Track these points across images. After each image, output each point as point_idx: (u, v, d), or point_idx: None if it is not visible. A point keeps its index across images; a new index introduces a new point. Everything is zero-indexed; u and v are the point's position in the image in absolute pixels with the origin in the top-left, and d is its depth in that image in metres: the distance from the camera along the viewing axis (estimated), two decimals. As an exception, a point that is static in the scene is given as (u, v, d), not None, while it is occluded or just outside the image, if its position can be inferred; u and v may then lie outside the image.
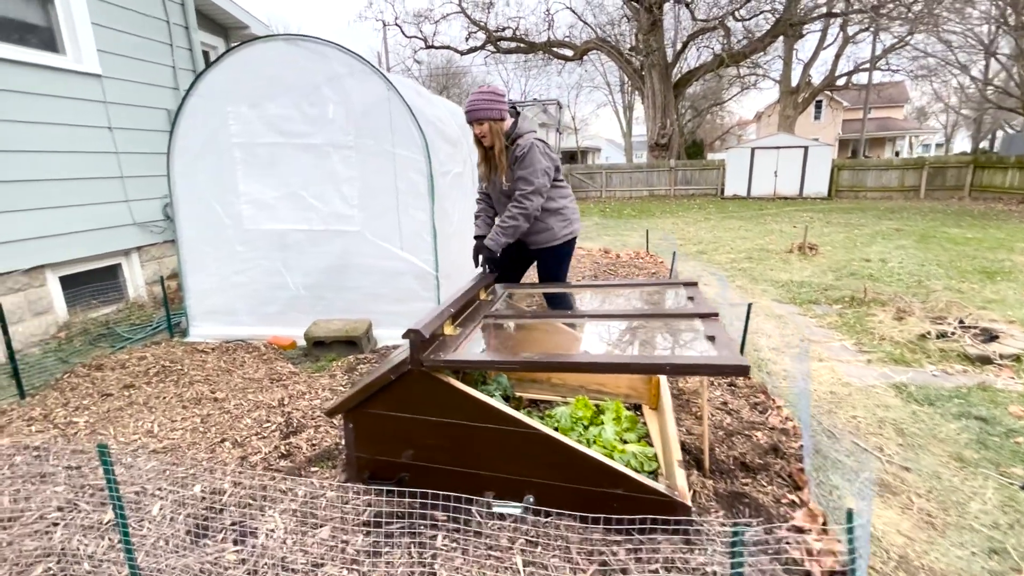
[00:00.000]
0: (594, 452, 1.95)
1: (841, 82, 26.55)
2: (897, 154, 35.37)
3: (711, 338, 2.00)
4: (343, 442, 2.48)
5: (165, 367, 3.47)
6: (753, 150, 17.93)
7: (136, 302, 5.20)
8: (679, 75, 20.75)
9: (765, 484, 2.42)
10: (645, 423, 2.82)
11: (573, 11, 20.65)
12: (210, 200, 3.93)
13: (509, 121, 2.87)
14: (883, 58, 24.27)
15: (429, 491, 2.10)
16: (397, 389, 2.04)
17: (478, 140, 2.92)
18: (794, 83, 25.00)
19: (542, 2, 27.58)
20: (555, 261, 3.20)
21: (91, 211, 4.69)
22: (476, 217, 3.20)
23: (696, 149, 28.34)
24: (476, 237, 3.12)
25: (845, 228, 11.32)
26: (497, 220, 3.00)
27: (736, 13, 18.22)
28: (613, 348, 2.20)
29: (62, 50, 4.53)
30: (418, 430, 2.07)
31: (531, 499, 2.02)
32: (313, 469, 2.29)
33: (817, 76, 27.13)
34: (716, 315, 2.28)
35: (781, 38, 20.09)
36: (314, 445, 2.46)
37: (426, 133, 3.61)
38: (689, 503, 1.89)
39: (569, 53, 21.57)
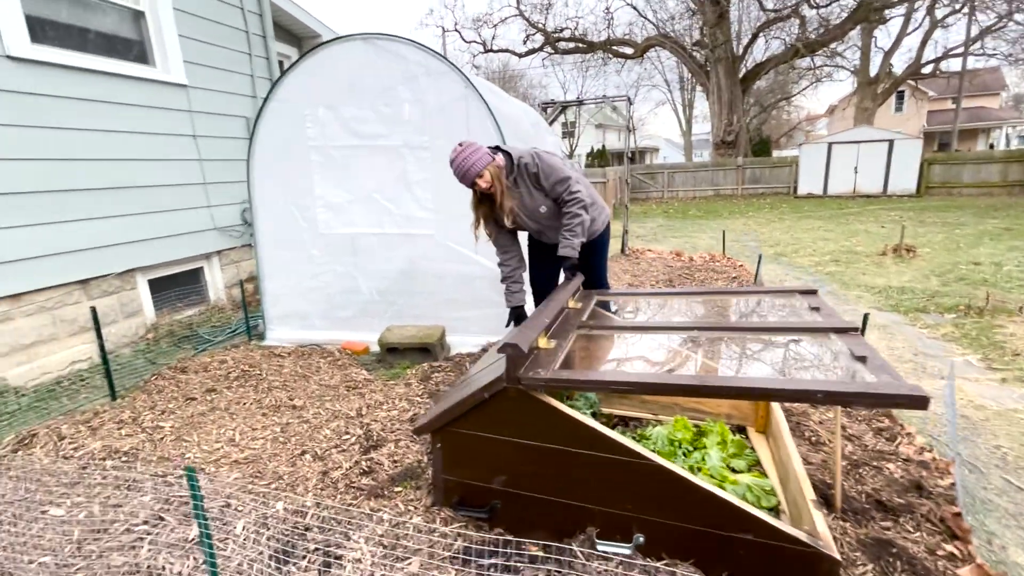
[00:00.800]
0: (720, 490, 1.68)
1: (927, 70, 24.41)
2: (991, 146, 32.21)
3: (861, 358, 1.69)
4: (425, 460, 2.33)
5: (245, 371, 3.47)
6: (830, 145, 16.76)
7: (216, 304, 5.35)
8: (745, 69, 19.74)
9: (911, 530, 2.06)
10: (753, 448, 2.52)
11: (634, 7, 20.12)
12: (288, 204, 3.93)
13: (500, 157, 2.64)
14: (979, 41, 22.08)
15: (525, 523, 1.92)
16: (491, 408, 1.86)
17: (483, 197, 2.67)
18: (872, 73, 23.24)
19: (601, 1, 27.04)
20: (597, 252, 3.06)
21: (177, 216, 4.85)
22: (505, 282, 2.88)
23: (763, 146, 26.92)
24: (514, 308, 2.86)
25: (943, 228, 10.29)
26: (561, 233, 2.76)
27: (811, 0, 17.12)
28: (733, 366, 1.93)
29: (152, 62, 4.72)
30: (513, 454, 1.88)
31: (641, 539, 1.78)
32: (396, 489, 2.14)
33: (899, 65, 25.11)
34: (856, 330, 1.96)
35: (858, 25, 18.69)
36: (396, 461, 2.33)
37: (504, 132, 3.44)
38: (837, 555, 1.59)
39: (629, 51, 21.03)
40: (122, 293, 4.44)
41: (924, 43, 23.33)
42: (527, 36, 21.73)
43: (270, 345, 4.08)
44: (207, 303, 5.35)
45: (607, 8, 20.26)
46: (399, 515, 1.97)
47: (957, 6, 20.54)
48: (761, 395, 1.62)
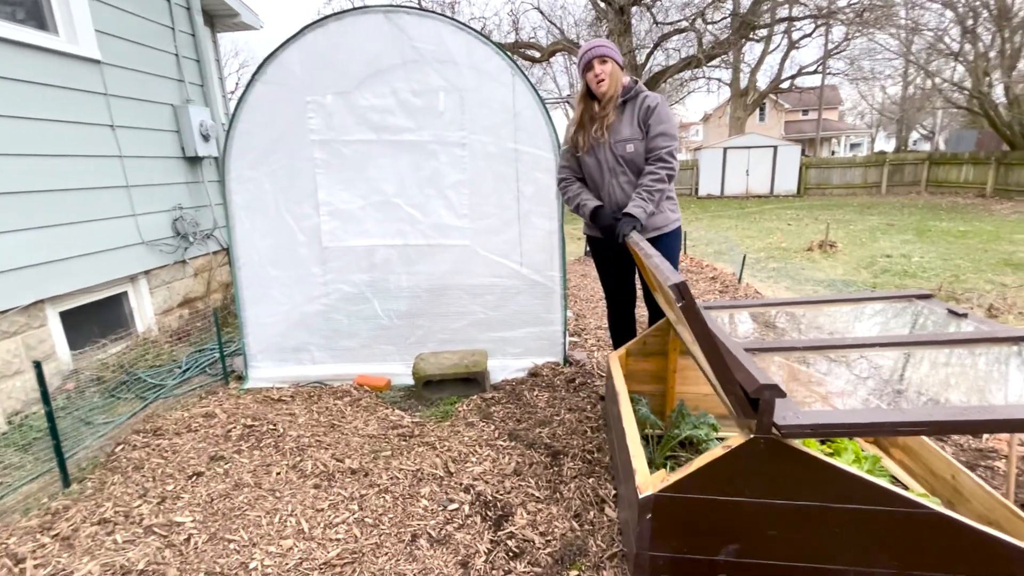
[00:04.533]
0: (1004, 534, 1.48)
1: (785, 85, 27.80)
2: (833, 153, 37.58)
3: (1108, 372, 1.59)
4: (578, 527, 1.90)
5: (249, 426, 2.71)
6: (725, 150, 18.28)
7: (147, 337, 4.28)
8: (647, 77, 20.89)
9: (1073, 532, 2.05)
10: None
11: (541, 12, 20.32)
12: (280, 212, 3.17)
13: (626, 77, 2.47)
14: (824, 61, 25.62)
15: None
16: (727, 465, 1.50)
17: (587, 93, 2.47)
18: (742, 86, 25.96)
19: (507, 2, 27.07)
20: (672, 256, 2.71)
21: (94, 229, 3.78)
22: (578, 192, 2.62)
23: (655, 150, 28.79)
24: (596, 208, 2.55)
25: (837, 224, 11.54)
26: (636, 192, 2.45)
27: (704, 15, 18.50)
28: (966, 388, 1.76)
29: (53, 29, 3.61)
30: (751, 517, 1.53)
31: (903, 597, 1.53)
32: (572, 574, 1.69)
33: (762, 80, 28.31)
34: (1045, 338, 1.89)
35: (741, 41, 20.63)
36: (544, 534, 1.86)
37: (554, 123, 3.05)
38: (1119, 587, 1.46)
39: (536, 54, 21.23)
40: (28, 332, 3.33)
41: (783, 62, 26.61)
42: (432, 34, 21.00)
43: (259, 387, 3.27)
44: (135, 336, 4.26)
45: (511, 11, 20.23)
46: (603, 612, 1.53)
47: (808, 30, 23.66)
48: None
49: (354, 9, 2.92)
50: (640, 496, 1.56)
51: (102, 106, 3.89)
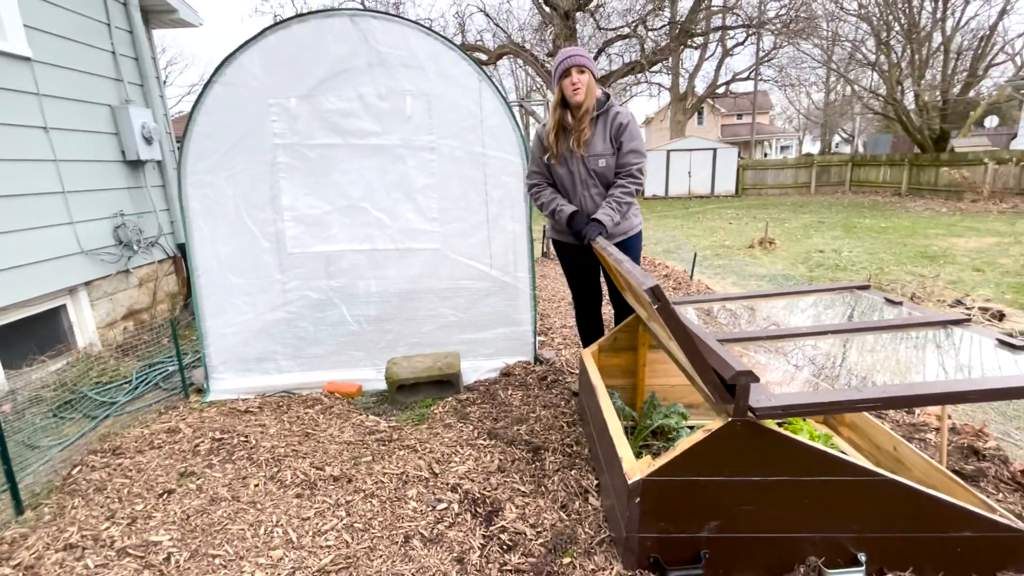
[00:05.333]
0: (949, 497, 1.67)
1: (721, 90, 29.25)
2: (765, 155, 39.83)
3: (1021, 348, 1.83)
4: (566, 517, 1.97)
5: (218, 440, 2.62)
6: (668, 152, 19.00)
7: (89, 353, 4.02)
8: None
9: (994, 491, 2.31)
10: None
11: (487, 14, 20.42)
12: (240, 217, 3.08)
13: (598, 91, 2.54)
14: (756, 68, 27.18)
15: (732, 568, 1.71)
16: (709, 447, 1.61)
17: (561, 101, 2.48)
18: (681, 91, 27.13)
19: (453, 4, 26.95)
20: (633, 255, 2.84)
21: (27, 239, 3.52)
22: (552, 197, 2.66)
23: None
24: (573, 214, 2.59)
25: (774, 223, 12.26)
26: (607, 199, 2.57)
27: (645, 22, 19.17)
28: (901, 368, 1.95)
29: (-24, 23, 3.35)
30: (730, 494, 1.66)
31: (863, 558, 1.70)
32: (564, 561, 1.76)
33: (700, 86, 29.70)
34: (968, 320, 2.13)
35: (680, 47, 21.52)
36: (535, 526, 1.92)
37: (521, 129, 3.12)
38: (1041, 535, 1.69)
39: (484, 57, 21.30)
40: (-43, 352, 3.07)
41: (719, 68, 27.97)
42: (377, 34, 20.64)
43: (223, 400, 3.16)
44: (76, 352, 3.99)
45: (457, 12, 20.24)
46: (598, 595, 1.61)
47: (740, 39, 25.05)
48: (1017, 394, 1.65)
49: (319, 11, 2.88)
50: (629, 482, 1.65)
51: (34, 107, 3.64)
